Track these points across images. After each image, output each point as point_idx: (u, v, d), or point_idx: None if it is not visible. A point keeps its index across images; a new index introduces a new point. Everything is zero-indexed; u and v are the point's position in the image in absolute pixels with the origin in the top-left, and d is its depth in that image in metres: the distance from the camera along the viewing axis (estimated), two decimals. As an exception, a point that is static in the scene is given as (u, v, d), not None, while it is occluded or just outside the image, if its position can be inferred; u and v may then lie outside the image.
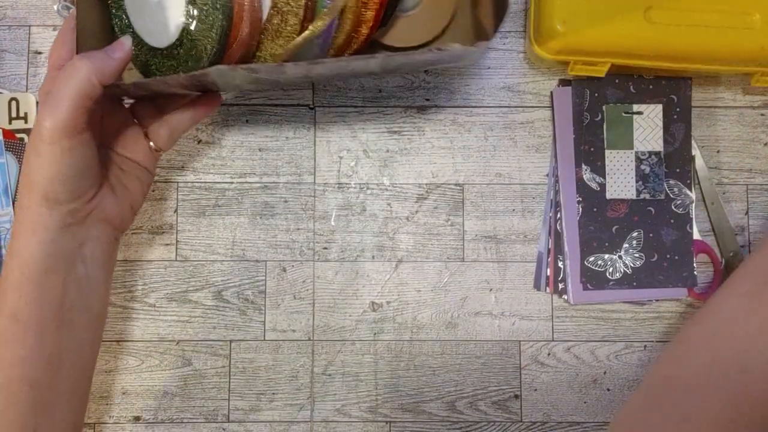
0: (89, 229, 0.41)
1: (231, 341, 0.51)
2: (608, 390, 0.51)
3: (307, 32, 0.40)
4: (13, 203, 0.49)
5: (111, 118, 0.43)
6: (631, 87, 0.52)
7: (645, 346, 0.51)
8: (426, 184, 0.52)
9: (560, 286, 0.51)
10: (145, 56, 0.44)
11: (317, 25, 0.40)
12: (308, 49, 0.42)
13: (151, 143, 0.44)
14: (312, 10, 0.41)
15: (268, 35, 0.42)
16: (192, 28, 0.41)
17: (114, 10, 0.44)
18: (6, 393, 0.38)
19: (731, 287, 0.41)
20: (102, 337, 0.45)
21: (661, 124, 0.52)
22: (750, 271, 0.41)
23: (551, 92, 0.52)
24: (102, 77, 0.37)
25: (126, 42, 0.39)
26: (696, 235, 0.51)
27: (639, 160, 0.51)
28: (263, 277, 0.51)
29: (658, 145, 0.52)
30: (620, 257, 0.51)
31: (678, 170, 0.52)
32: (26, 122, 0.51)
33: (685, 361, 0.39)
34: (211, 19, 0.40)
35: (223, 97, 0.49)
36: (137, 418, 0.50)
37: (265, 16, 0.41)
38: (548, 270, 0.51)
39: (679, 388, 0.38)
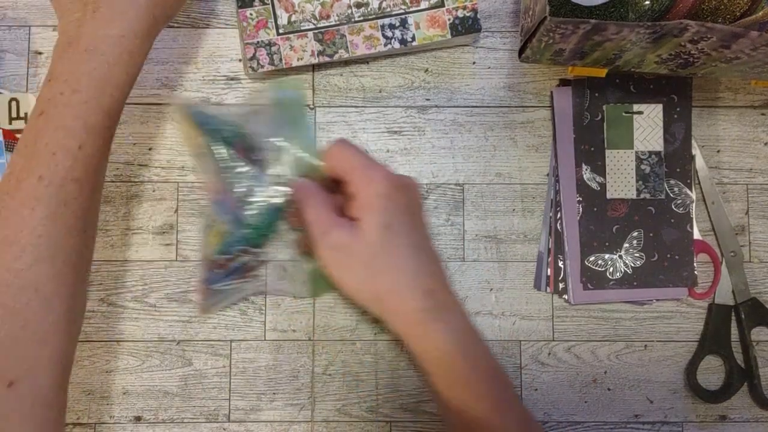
0: None
1: (231, 341, 0.51)
2: (609, 389, 0.51)
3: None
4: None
5: None
6: (632, 86, 0.52)
7: (645, 346, 0.51)
8: (426, 184, 0.52)
9: (560, 285, 0.51)
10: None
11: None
12: None
13: None
14: None
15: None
16: None
17: None
18: (62, 192, 0.38)
19: None
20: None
21: (661, 123, 0.52)
22: None
23: (551, 92, 0.52)
24: None
25: None
26: (696, 235, 0.51)
27: (639, 160, 0.51)
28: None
29: (658, 145, 0.52)
30: (620, 257, 0.51)
31: (678, 170, 0.52)
32: (26, 122, 0.50)
33: None
34: None
35: None
36: (138, 418, 0.50)
37: None
38: (548, 270, 0.51)
39: None
